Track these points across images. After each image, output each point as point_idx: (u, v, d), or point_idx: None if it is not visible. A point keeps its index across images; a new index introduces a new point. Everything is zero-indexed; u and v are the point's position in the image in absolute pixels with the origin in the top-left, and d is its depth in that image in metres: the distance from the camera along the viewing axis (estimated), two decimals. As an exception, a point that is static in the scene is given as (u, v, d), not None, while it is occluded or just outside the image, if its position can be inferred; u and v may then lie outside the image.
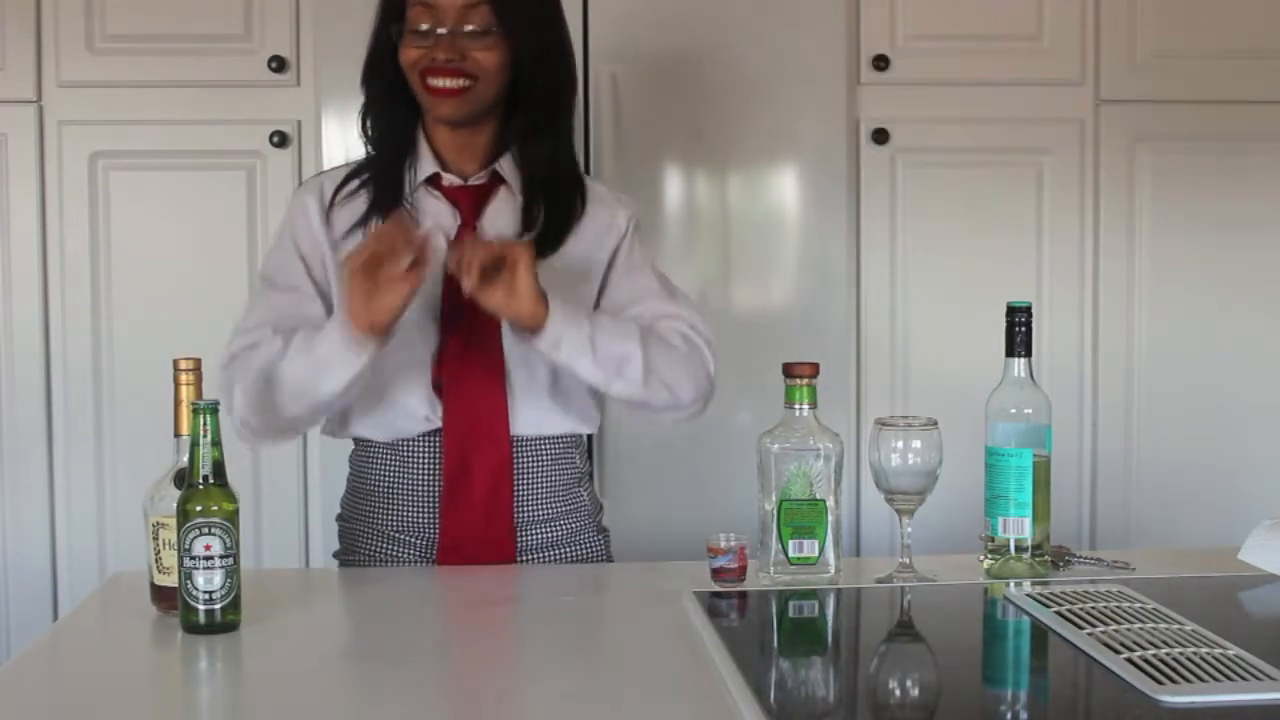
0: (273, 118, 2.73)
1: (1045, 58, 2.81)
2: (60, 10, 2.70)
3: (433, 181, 1.87)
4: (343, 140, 2.64)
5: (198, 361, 1.60)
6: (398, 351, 1.81)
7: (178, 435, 1.59)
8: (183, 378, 1.58)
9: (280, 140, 2.73)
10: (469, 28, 1.78)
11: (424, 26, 1.79)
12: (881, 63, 2.78)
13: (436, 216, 1.85)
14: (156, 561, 1.57)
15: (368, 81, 1.89)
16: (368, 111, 1.89)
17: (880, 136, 2.79)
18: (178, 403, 1.59)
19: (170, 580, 1.56)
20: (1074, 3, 2.81)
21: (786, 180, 2.76)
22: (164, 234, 2.75)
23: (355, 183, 1.87)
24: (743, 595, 1.65)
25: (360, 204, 1.86)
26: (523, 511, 1.87)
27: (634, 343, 1.79)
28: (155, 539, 1.57)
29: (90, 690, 1.38)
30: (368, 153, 1.90)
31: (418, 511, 1.87)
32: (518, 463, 1.86)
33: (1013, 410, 1.72)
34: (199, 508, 1.49)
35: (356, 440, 1.91)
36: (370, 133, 1.89)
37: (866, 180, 2.81)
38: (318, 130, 2.66)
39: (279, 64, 2.71)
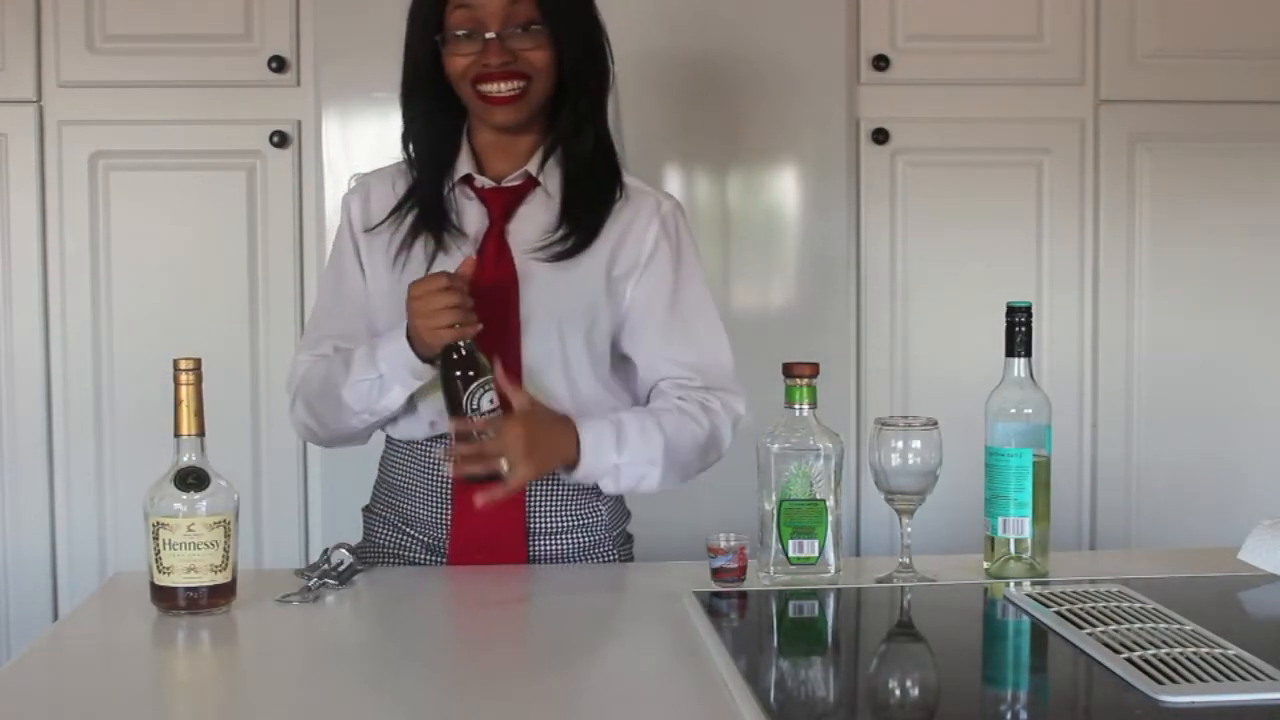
0: (273, 118, 2.73)
1: (1045, 58, 2.82)
2: (60, 10, 2.70)
3: (466, 182, 1.87)
4: (343, 140, 2.65)
5: (198, 361, 1.59)
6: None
7: (178, 435, 1.59)
8: (183, 378, 1.58)
9: (280, 140, 2.73)
10: (515, 27, 1.77)
11: (467, 31, 1.77)
12: (881, 63, 2.77)
13: (469, 217, 1.86)
14: (156, 561, 1.57)
15: (409, 99, 1.86)
16: (410, 131, 1.87)
17: (880, 136, 2.79)
18: (178, 403, 1.58)
19: (170, 580, 1.56)
20: (1074, 3, 2.81)
21: (786, 180, 2.76)
22: (164, 234, 2.75)
23: (400, 203, 1.87)
24: (743, 595, 1.65)
25: (404, 211, 1.86)
26: (535, 520, 1.86)
27: (654, 466, 1.80)
28: (155, 539, 1.57)
29: (90, 690, 1.38)
30: (410, 164, 1.88)
31: (431, 511, 1.86)
32: None
33: (1013, 410, 1.72)
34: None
35: (385, 436, 1.93)
36: (413, 154, 1.87)
37: (866, 180, 2.80)
38: (318, 130, 2.67)
39: (279, 64, 2.71)
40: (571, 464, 1.76)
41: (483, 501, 1.70)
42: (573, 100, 1.83)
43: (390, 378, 1.77)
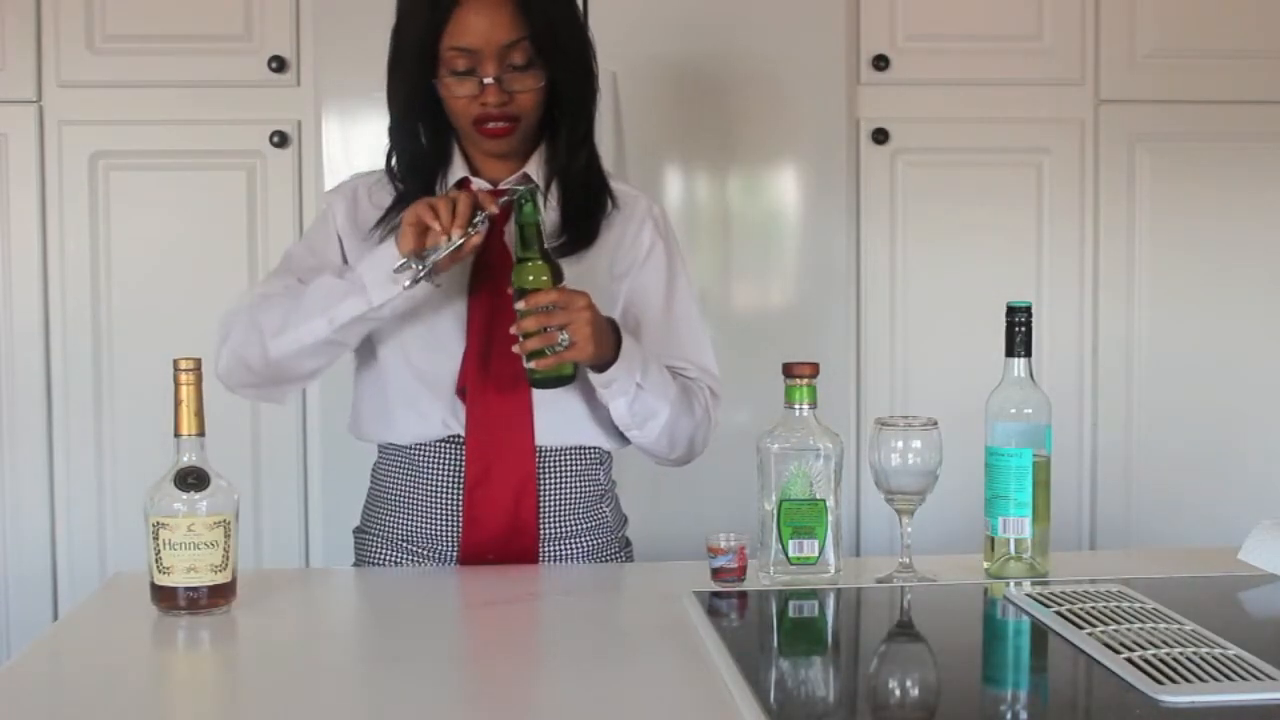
0: (273, 118, 2.73)
1: (1045, 58, 2.82)
2: (60, 10, 2.70)
3: (462, 185, 1.86)
4: (343, 140, 2.65)
5: (198, 361, 1.59)
6: (420, 353, 1.82)
7: (178, 435, 1.59)
8: (183, 378, 1.58)
9: (280, 140, 2.73)
10: (511, 63, 1.76)
11: (464, 69, 1.77)
12: (881, 63, 2.78)
13: None
14: (156, 561, 1.57)
15: (400, 130, 1.84)
16: (396, 151, 1.86)
17: (880, 136, 2.79)
18: (178, 403, 1.59)
19: (170, 580, 1.56)
20: (1074, 3, 2.81)
21: (786, 180, 2.76)
22: (164, 234, 2.75)
23: (389, 211, 1.85)
24: (743, 595, 1.65)
25: (393, 217, 1.84)
26: (546, 526, 1.85)
27: (666, 403, 1.82)
28: (155, 539, 1.57)
29: (90, 690, 1.38)
30: (391, 175, 1.87)
31: (436, 523, 1.85)
32: (542, 474, 1.84)
33: (1013, 410, 1.72)
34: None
35: (380, 448, 1.91)
36: (399, 165, 1.86)
37: (866, 180, 2.81)
38: (318, 130, 2.66)
39: (279, 64, 2.71)
40: (604, 366, 1.76)
41: (537, 363, 1.69)
42: (569, 124, 1.84)
43: (366, 279, 1.72)
